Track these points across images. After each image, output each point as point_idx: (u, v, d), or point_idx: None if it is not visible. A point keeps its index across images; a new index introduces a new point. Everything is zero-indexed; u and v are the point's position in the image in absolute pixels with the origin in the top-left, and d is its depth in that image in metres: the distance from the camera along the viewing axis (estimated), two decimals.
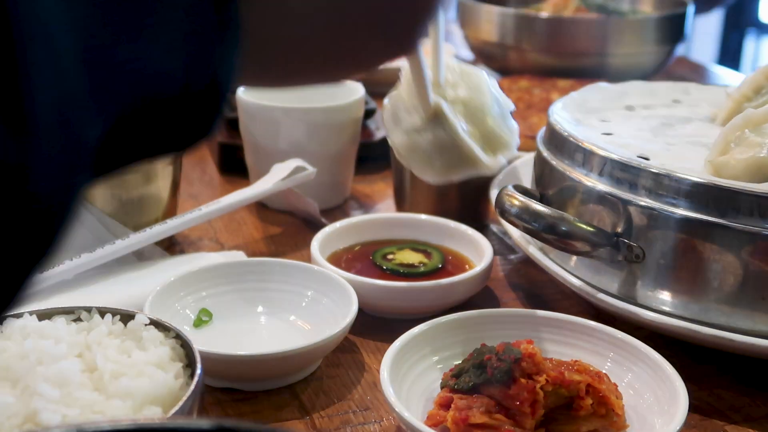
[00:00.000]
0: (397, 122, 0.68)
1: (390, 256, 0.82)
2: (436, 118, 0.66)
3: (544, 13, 1.41)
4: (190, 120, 0.31)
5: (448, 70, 0.67)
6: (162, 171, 0.83)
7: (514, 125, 0.68)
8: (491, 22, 1.41)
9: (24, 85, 0.23)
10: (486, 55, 1.48)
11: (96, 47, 0.26)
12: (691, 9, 1.43)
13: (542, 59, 1.38)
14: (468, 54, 1.59)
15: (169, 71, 0.29)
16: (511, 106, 0.69)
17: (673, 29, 1.39)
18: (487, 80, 0.69)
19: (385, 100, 0.69)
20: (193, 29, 0.29)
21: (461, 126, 0.66)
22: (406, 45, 0.39)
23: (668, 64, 1.47)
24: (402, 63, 0.67)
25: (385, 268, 0.80)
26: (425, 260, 0.81)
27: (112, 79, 0.27)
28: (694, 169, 0.69)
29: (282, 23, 0.34)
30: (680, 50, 1.52)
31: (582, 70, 1.36)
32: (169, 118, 0.30)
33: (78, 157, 0.26)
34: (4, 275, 0.25)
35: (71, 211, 0.26)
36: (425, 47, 0.63)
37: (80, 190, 0.27)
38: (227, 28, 0.30)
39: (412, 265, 0.80)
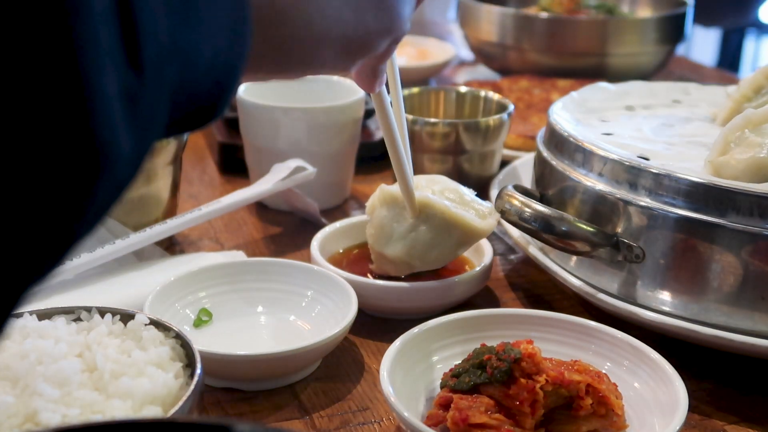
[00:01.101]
0: (389, 237, 0.75)
1: None
2: (425, 210, 0.73)
3: (544, 13, 1.41)
4: (207, 101, 0.37)
5: (416, 179, 0.76)
6: (162, 171, 0.83)
7: (487, 202, 0.78)
8: (491, 22, 1.41)
9: (139, 38, 0.30)
10: (486, 55, 1.48)
11: (171, 27, 0.32)
12: (690, 9, 1.43)
13: (542, 59, 1.38)
14: (468, 54, 1.59)
15: (205, 56, 0.35)
16: (474, 192, 0.79)
17: (672, 29, 1.39)
18: (447, 179, 0.79)
19: (368, 232, 0.77)
20: (222, 26, 0.36)
21: (448, 203, 0.74)
22: (399, 22, 0.50)
23: (668, 64, 1.47)
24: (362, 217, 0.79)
25: None
26: None
27: (177, 53, 0.33)
28: (694, 169, 0.69)
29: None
30: (680, 50, 1.52)
31: (582, 70, 1.36)
32: (195, 98, 0.36)
33: (162, 101, 0.32)
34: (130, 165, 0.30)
35: (153, 143, 0.32)
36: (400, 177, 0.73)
37: (159, 132, 0.33)
38: (243, 27, 0.37)
39: None
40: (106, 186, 0.29)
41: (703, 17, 1.82)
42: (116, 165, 0.29)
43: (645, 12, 1.54)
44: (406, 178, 0.72)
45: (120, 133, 0.29)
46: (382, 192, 0.76)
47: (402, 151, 0.71)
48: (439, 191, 0.75)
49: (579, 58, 1.38)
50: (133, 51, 0.29)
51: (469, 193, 0.77)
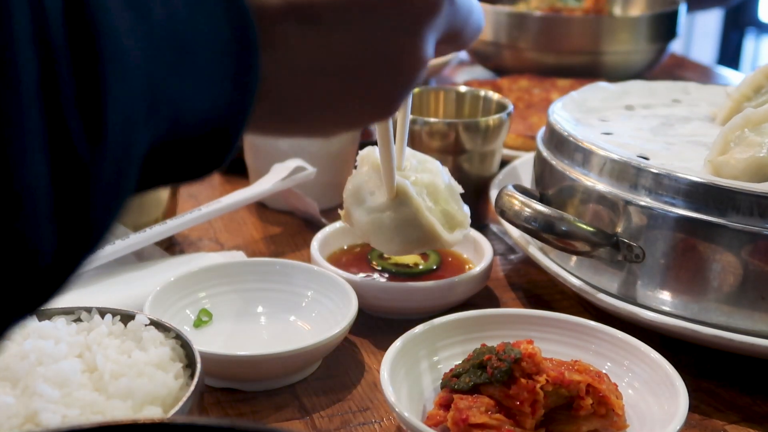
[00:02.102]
0: (360, 203, 0.72)
1: (386, 256, 0.81)
2: (400, 198, 0.70)
3: (537, 12, 1.41)
4: (207, 153, 0.35)
5: (408, 158, 0.73)
6: None
7: (466, 208, 0.74)
8: (485, 20, 1.41)
9: (103, 99, 0.26)
10: (481, 55, 1.48)
11: (154, 78, 0.29)
12: (683, 7, 1.44)
13: (537, 57, 1.39)
14: (463, 53, 1.59)
15: (198, 107, 0.32)
16: (461, 189, 0.75)
17: (665, 27, 1.40)
18: (440, 167, 0.75)
19: (347, 184, 0.74)
20: (223, 74, 0.33)
21: (424, 204, 0.71)
22: (389, 111, 0.45)
23: (661, 62, 1.48)
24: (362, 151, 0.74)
25: (379, 267, 0.80)
26: (421, 261, 0.81)
27: (161, 106, 0.30)
28: (694, 168, 0.69)
29: (293, 75, 0.39)
30: (680, 50, 1.53)
31: (576, 68, 1.36)
32: (190, 149, 0.34)
33: (130, 169, 0.30)
34: (57, 262, 0.27)
35: (118, 213, 0.29)
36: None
37: (126, 199, 0.30)
38: (249, 76, 0.34)
39: (406, 266, 0.80)
40: (31, 282, 0.26)
41: (693, 4, 1.84)
42: (35, 263, 0.26)
43: (637, 10, 1.55)
44: (390, 161, 0.68)
45: (41, 229, 0.25)
46: (374, 154, 0.72)
47: (392, 139, 0.67)
48: (424, 184, 0.72)
49: (573, 56, 1.38)
50: (93, 114, 0.26)
51: (453, 193, 0.74)
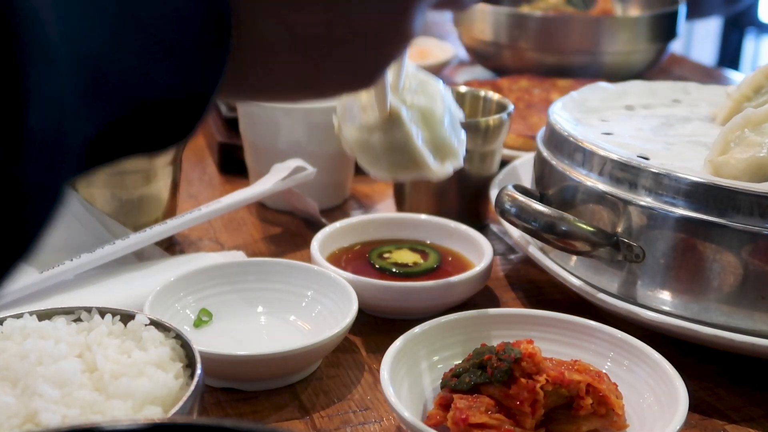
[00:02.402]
0: (351, 118, 0.68)
1: (386, 256, 0.82)
2: (391, 120, 0.66)
3: (538, 12, 1.41)
4: (174, 124, 0.32)
5: (408, 77, 0.69)
6: (162, 171, 0.83)
7: (463, 135, 0.71)
8: (485, 21, 1.41)
9: (24, 97, 0.22)
10: (480, 54, 1.48)
11: (88, 57, 0.25)
12: (682, 7, 1.44)
13: (537, 57, 1.39)
14: (464, 53, 1.59)
15: (157, 82, 0.29)
16: (462, 117, 0.72)
17: (664, 27, 1.40)
18: (442, 90, 0.71)
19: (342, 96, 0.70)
20: (184, 46, 0.30)
21: (415, 131, 0.67)
22: (368, 83, 0.43)
23: (661, 62, 1.48)
24: None
25: (378, 266, 0.80)
26: (421, 260, 0.81)
27: (103, 88, 0.27)
28: (694, 168, 0.69)
29: (265, 47, 0.37)
30: (680, 50, 1.53)
31: (576, 68, 1.37)
32: (154, 122, 0.31)
33: (65, 161, 0.26)
34: None
35: (55, 206, 0.26)
36: None
37: (64, 188, 0.27)
38: (219, 47, 0.32)
39: (405, 265, 0.80)
40: None
41: (693, 11, 1.85)
42: None
43: (637, 10, 1.55)
44: (382, 81, 0.64)
45: None
46: None
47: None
48: (420, 108, 0.68)
49: (573, 56, 1.38)
50: (9, 111, 0.22)
51: (452, 120, 0.70)
